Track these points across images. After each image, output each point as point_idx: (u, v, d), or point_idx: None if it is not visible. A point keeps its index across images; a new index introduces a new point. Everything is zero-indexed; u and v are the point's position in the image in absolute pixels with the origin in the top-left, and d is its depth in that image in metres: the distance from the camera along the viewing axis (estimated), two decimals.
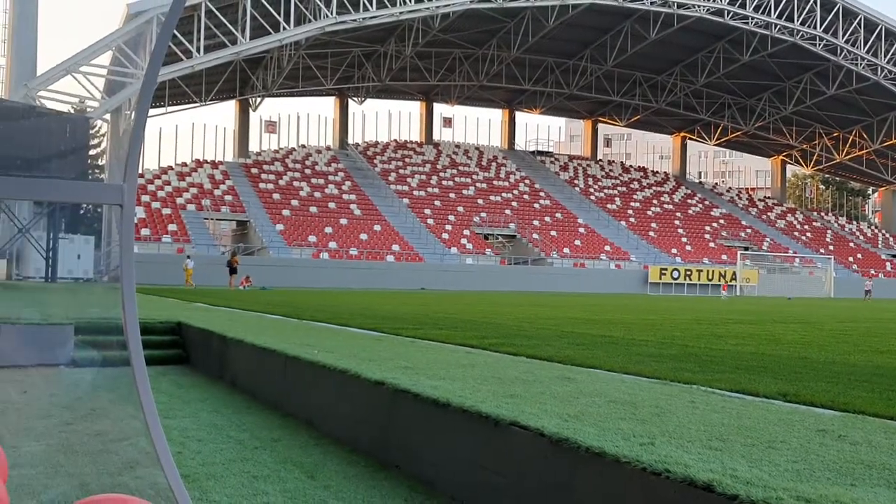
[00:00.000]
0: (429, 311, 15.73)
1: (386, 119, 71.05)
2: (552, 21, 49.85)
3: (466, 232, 52.73)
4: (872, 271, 61.39)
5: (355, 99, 64.44)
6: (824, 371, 6.45)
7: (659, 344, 8.98)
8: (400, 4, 42.67)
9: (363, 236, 48.09)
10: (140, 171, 51.20)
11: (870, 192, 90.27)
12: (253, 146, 60.78)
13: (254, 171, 55.36)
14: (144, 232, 42.02)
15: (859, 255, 65.13)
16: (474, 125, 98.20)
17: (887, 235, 74.53)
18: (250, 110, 59.67)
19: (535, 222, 56.64)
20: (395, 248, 47.48)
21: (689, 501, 2.63)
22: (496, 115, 73.68)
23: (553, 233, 55.20)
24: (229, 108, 61.21)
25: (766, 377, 5.91)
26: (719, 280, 51.95)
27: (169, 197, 48.20)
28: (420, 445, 4.36)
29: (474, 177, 63.42)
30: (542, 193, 62.85)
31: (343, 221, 49.93)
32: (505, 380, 5.11)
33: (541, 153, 73.63)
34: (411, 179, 60.02)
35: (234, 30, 39.04)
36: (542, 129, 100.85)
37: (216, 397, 6.99)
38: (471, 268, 47.33)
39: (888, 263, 65.05)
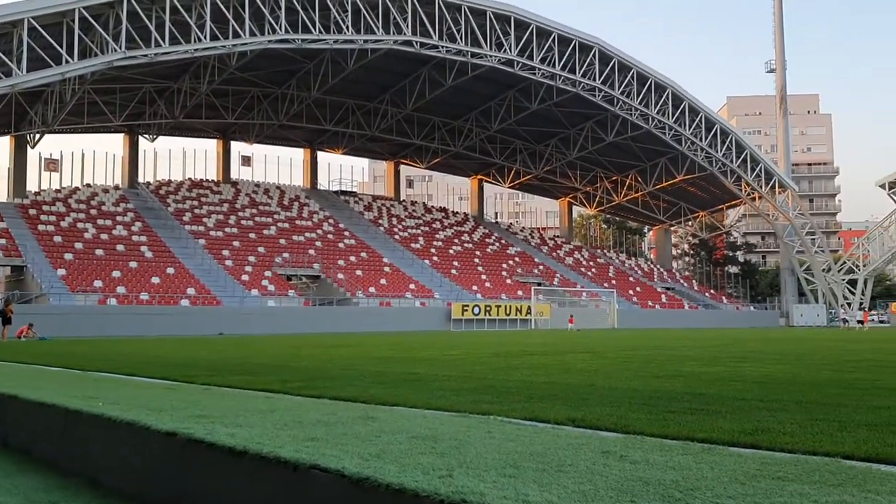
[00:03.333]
0: (227, 357, 15.16)
1: (180, 157, 68.36)
2: (352, 64, 50.46)
3: (268, 273, 51.51)
4: (649, 303, 66.87)
5: (146, 136, 61.43)
6: (608, 396, 6.90)
7: (460, 378, 9.21)
8: (195, 41, 41.38)
9: (155, 280, 45.59)
10: None
11: (645, 230, 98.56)
12: (31, 185, 56.13)
13: (32, 212, 51.05)
14: None
15: (638, 289, 70.70)
16: (275, 165, 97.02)
17: (661, 270, 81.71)
18: (28, 147, 55.03)
19: (340, 262, 56.46)
20: (191, 291, 45.41)
21: None
22: (298, 155, 73.14)
23: (358, 272, 55.27)
24: (3, 144, 56.15)
25: (557, 404, 6.22)
26: (516, 315, 54.31)
27: None
28: (217, 496, 4.16)
29: (276, 216, 62.33)
30: (346, 233, 62.89)
31: (133, 264, 47.12)
32: (306, 423, 5.01)
33: (344, 193, 73.85)
34: (208, 219, 57.91)
35: (8, 61, 36.10)
36: (346, 170, 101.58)
37: None
38: (273, 310, 46.18)
39: (663, 295, 71.14)
